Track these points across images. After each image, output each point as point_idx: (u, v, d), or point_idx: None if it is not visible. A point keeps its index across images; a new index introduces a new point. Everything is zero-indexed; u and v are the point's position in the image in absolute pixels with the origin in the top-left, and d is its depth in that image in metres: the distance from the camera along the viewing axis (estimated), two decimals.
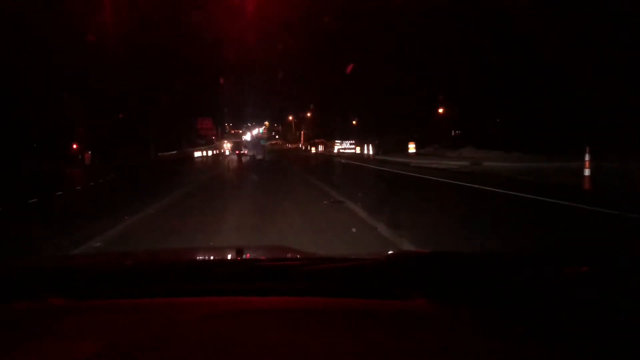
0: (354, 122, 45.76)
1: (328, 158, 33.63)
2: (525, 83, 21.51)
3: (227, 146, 55.99)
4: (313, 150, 50.69)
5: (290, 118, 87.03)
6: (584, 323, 1.01)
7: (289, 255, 1.92)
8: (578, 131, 16.56)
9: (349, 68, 35.43)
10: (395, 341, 1.00)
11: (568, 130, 18.17)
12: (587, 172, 9.94)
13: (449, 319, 1.11)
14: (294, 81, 65.93)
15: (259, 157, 33.91)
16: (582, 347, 0.93)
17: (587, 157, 9.96)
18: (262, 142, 45.40)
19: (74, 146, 32.06)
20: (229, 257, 1.93)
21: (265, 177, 18.64)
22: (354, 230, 6.40)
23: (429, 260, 1.38)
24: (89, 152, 32.09)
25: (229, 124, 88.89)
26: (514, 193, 9.90)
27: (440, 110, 31.34)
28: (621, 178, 10.56)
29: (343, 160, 28.33)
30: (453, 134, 33.06)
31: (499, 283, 1.22)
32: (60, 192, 13.60)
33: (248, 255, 1.79)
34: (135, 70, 34.82)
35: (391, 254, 1.43)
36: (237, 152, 39.28)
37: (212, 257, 2.14)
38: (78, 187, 16.20)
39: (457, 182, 12.77)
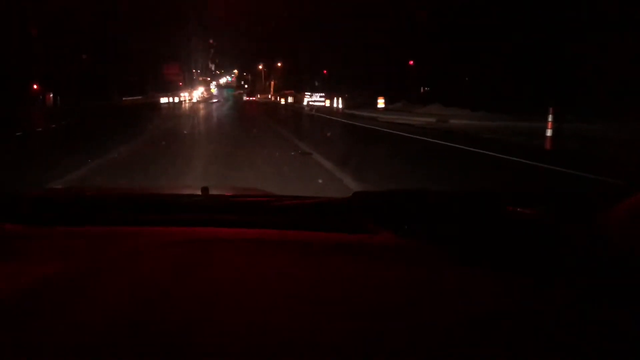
0: (324, 72, 45.15)
1: (297, 110, 33.36)
2: (494, 43, 21.57)
3: (195, 93, 54.91)
4: (282, 101, 50.07)
5: (260, 67, 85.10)
6: (537, 256, 1.04)
7: (254, 193, 1.92)
8: (545, 92, 16.83)
9: None
10: (360, 271, 1.02)
11: (536, 92, 18.44)
12: (549, 132, 10.19)
13: (413, 251, 1.13)
14: (266, 30, 64.24)
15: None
16: (535, 280, 0.96)
17: (550, 118, 10.20)
18: (231, 91, 44.71)
19: (35, 87, 30.78)
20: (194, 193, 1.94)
21: (232, 127, 18.41)
22: (320, 181, 6.48)
23: (394, 196, 1.41)
24: (50, 94, 30.90)
25: (197, 71, 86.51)
26: (476, 150, 10.11)
27: (410, 64, 31.21)
28: (583, 139, 10.88)
29: (312, 113, 28.17)
30: (422, 90, 33.11)
31: (459, 218, 1.25)
32: (20, 133, 13.16)
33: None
34: (101, 10, 33.22)
35: (357, 192, 1.44)
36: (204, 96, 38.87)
37: (176, 192, 2.11)
38: (39, 129, 15.69)
39: (422, 138, 12.93)
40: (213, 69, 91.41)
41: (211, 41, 62.68)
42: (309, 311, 0.83)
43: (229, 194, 1.86)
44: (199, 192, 1.69)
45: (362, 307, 0.85)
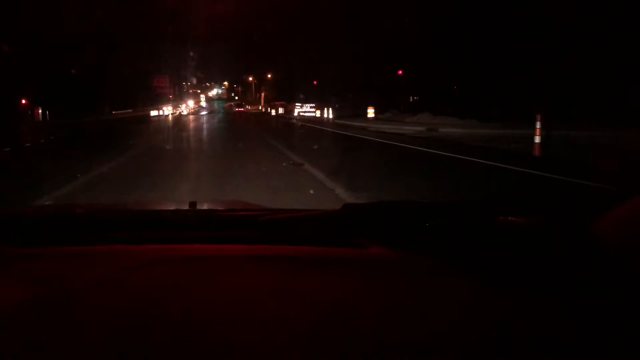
0: (314, 82, 45.29)
1: (288, 121, 33.41)
2: (483, 52, 21.79)
3: (183, 106, 55.08)
4: (273, 112, 50.11)
5: (251, 79, 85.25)
6: (526, 268, 1.04)
7: (242, 207, 1.92)
8: (533, 100, 16.99)
9: None
10: (352, 287, 1.01)
11: (524, 99, 18.60)
12: (537, 139, 10.30)
13: (402, 265, 1.13)
14: (256, 42, 64.43)
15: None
16: (524, 291, 0.95)
17: (538, 125, 10.31)
18: (221, 103, 44.81)
19: (23, 102, 30.65)
20: (181, 208, 1.93)
21: (222, 139, 18.40)
22: (312, 191, 6.48)
23: (381, 209, 1.40)
24: (39, 109, 30.76)
25: (187, 83, 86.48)
26: (466, 158, 10.17)
27: (400, 74, 31.41)
28: (571, 146, 10.98)
29: (303, 124, 28.22)
30: (411, 100, 33.29)
31: (449, 229, 1.25)
32: (8, 149, 13.08)
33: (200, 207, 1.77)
34: (90, 24, 33.21)
35: (345, 205, 1.43)
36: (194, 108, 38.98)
37: (163, 208, 2.09)
38: (27, 144, 15.60)
39: (413, 147, 13.00)
40: (198, 81, 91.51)
41: (192, 53, 62.64)
42: (301, 330, 0.81)
43: (216, 209, 1.85)
44: (187, 207, 1.68)
45: (355, 323, 0.84)
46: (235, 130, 24.41)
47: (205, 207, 1.95)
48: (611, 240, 0.97)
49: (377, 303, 0.93)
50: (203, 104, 63.08)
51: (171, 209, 1.97)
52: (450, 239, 1.20)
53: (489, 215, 1.32)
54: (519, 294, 0.94)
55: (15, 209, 1.78)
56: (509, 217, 1.24)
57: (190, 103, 56.40)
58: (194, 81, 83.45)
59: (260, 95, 74.34)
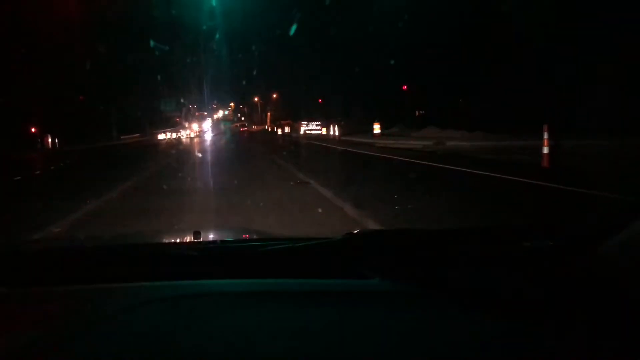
0: (319, 100, 45.57)
1: (294, 139, 33.54)
2: (486, 64, 21.85)
3: (188, 131, 55.82)
4: (279, 131, 50.36)
5: (256, 99, 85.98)
6: (539, 298, 1.02)
7: (245, 236, 1.92)
8: (540, 111, 16.94)
9: None
10: (356, 319, 1.00)
11: (530, 111, 18.57)
12: (545, 150, 10.24)
13: (401, 297, 1.12)
14: (261, 62, 65.12)
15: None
16: (538, 323, 0.94)
17: (545, 136, 10.27)
18: (227, 124, 45.22)
19: (32, 130, 31.03)
20: (185, 239, 1.88)
21: (230, 159, 18.47)
22: (320, 210, 6.45)
23: (383, 238, 1.41)
24: (48, 136, 31.12)
25: (193, 106, 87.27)
26: (476, 172, 10.11)
27: (404, 89, 31.52)
28: (579, 156, 10.91)
29: (309, 142, 28.31)
30: (417, 114, 33.35)
31: (449, 260, 1.24)
32: (19, 177, 13.20)
33: (202, 238, 1.77)
34: (96, 51, 33.70)
35: (346, 234, 1.43)
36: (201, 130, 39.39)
37: (166, 240, 2.08)
38: (37, 172, 15.76)
39: (420, 162, 12.95)
40: (205, 104, 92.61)
41: (198, 77, 63.79)
42: None
43: (219, 240, 1.84)
44: (192, 237, 1.70)
45: (362, 356, 0.84)
46: (241, 150, 24.51)
47: (210, 235, 1.94)
48: (621, 262, 0.96)
49: (379, 334, 0.92)
50: (205, 126, 63.67)
51: (175, 240, 1.96)
52: (452, 269, 1.19)
53: (494, 241, 1.31)
54: (529, 330, 0.93)
55: (17, 245, 1.78)
56: (516, 243, 1.24)
57: (195, 126, 56.98)
58: (206, 103, 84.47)
59: (266, 115, 74.85)
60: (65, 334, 0.97)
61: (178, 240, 1.95)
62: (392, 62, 29.20)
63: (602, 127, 14.15)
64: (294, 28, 33.70)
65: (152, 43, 38.15)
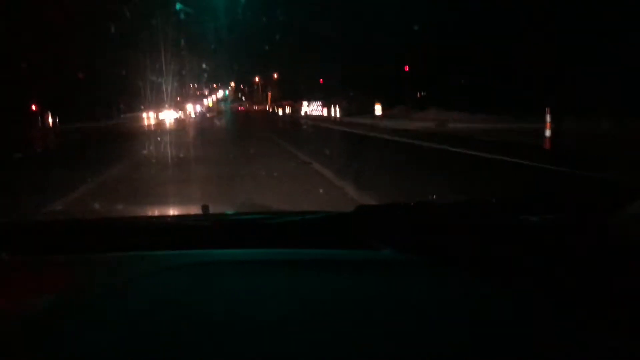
0: (320, 81, 45.27)
1: (295, 120, 33.44)
2: (489, 44, 21.65)
3: (189, 107, 55.41)
4: (280, 112, 50.16)
5: (257, 79, 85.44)
6: (544, 271, 1.02)
7: (254, 210, 1.92)
8: (544, 93, 16.82)
9: None
10: (366, 289, 1.00)
11: (534, 92, 18.44)
12: (547, 132, 10.22)
13: (414, 268, 1.12)
14: (261, 41, 64.51)
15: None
16: (541, 296, 0.94)
17: (547, 119, 10.23)
18: (228, 104, 44.98)
19: (33, 107, 30.88)
20: (193, 212, 1.90)
21: (231, 139, 18.43)
22: (321, 191, 6.45)
23: (397, 209, 1.40)
24: (49, 114, 31.02)
25: (193, 85, 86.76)
26: (478, 154, 10.09)
27: (406, 69, 31.28)
28: (581, 139, 10.87)
29: (310, 122, 28.23)
30: (418, 95, 33.15)
31: (463, 232, 1.23)
32: (20, 155, 13.19)
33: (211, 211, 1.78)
34: (98, 29, 33.37)
35: (360, 206, 1.44)
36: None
37: (175, 213, 2.12)
38: (39, 150, 15.75)
39: (421, 143, 12.93)
40: (205, 83, 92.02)
41: (200, 61, 63.60)
42: (312, 332, 0.82)
43: (229, 213, 1.86)
44: (200, 211, 1.70)
45: (372, 327, 0.84)
46: (243, 131, 24.44)
47: (218, 210, 1.94)
48: (628, 236, 0.97)
49: (390, 305, 0.92)
50: (211, 105, 63.38)
51: (184, 214, 1.97)
52: (463, 240, 1.19)
53: (501, 213, 1.32)
54: (537, 297, 0.93)
55: (27, 217, 1.81)
56: (528, 216, 1.22)
57: (190, 107, 56.75)
58: (199, 86, 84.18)
59: (267, 95, 74.47)
60: (82, 301, 0.97)
61: (186, 213, 1.98)
62: (395, 32, 28.80)
63: (611, 108, 13.98)
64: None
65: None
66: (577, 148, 9.92)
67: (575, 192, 5.14)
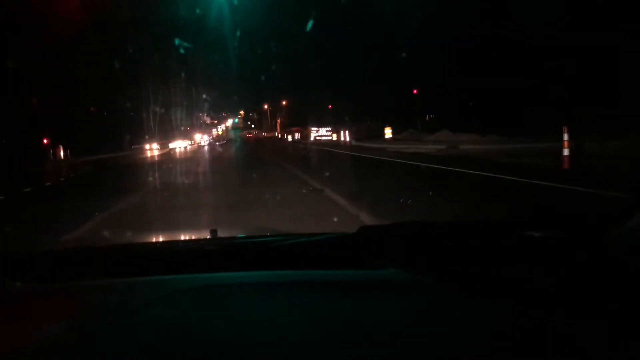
0: (329, 107, 45.55)
1: (305, 146, 33.40)
2: (498, 66, 21.62)
3: (197, 137, 56.19)
4: (289, 138, 50.36)
5: (266, 107, 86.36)
6: (547, 287, 1.02)
7: (261, 233, 1.99)
8: (555, 113, 16.63)
9: None
10: (369, 309, 1.02)
11: (544, 112, 18.26)
12: (565, 152, 9.99)
13: (418, 287, 1.12)
14: (270, 70, 65.44)
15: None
16: (546, 311, 0.94)
17: (565, 138, 10.00)
18: (237, 132, 45.46)
19: (45, 141, 31.22)
20: (202, 236, 1.98)
21: (241, 167, 18.37)
22: (335, 219, 6.23)
23: (398, 230, 1.41)
24: (60, 147, 31.37)
25: (203, 114, 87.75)
26: (493, 175, 9.88)
27: (415, 93, 31.33)
28: (600, 158, 10.60)
29: (320, 148, 28.14)
30: (427, 118, 33.13)
31: (466, 251, 1.23)
32: (28, 189, 13.15)
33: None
34: (107, 63, 33.97)
35: (363, 226, 1.46)
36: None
37: (184, 237, 2.18)
38: (48, 183, 15.74)
39: (434, 166, 12.72)
40: (215, 112, 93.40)
41: (205, 96, 65.33)
42: (324, 355, 0.82)
43: (236, 236, 1.91)
44: (208, 235, 1.76)
45: (378, 346, 0.85)
46: (252, 158, 24.41)
47: (225, 232, 1.99)
48: (628, 251, 0.98)
49: (395, 323, 0.94)
50: (201, 139, 62.50)
51: (194, 237, 2.07)
52: (467, 259, 1.19)
53: (506, 232, 1.33)
54: (540, 315, 0.93)
55: (36, 249, 1.82)
56: (526, 233, 1.23)
57: (198, 136, 57.53)
58: (208, 116, 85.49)
59: (276, 122, 75.06)
60: (92, 327, 0.99)
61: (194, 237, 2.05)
62: (404, 56, 28.84)
63: (624, 126, 13.69)
64: (310, 24, 33.67)
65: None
66: (598, 167, 9.64)
67: (578, 208, 5.16)
